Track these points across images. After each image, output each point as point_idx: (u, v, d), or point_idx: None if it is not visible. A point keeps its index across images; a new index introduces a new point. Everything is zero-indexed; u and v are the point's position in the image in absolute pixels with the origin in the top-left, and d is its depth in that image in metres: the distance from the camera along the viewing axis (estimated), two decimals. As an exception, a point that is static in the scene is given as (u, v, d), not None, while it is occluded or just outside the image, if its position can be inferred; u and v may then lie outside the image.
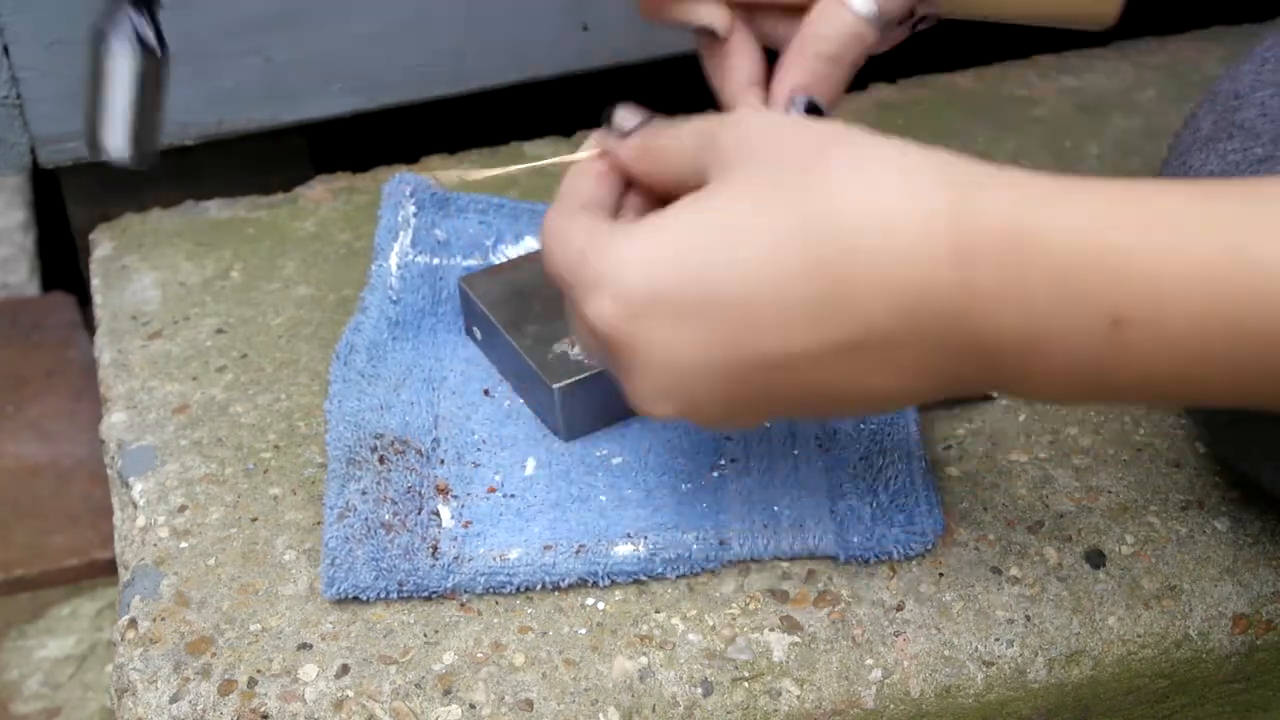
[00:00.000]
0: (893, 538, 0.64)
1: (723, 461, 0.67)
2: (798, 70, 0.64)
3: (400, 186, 0.81)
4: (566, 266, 0.56)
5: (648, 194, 0.60)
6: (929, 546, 0.64)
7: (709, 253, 0.52)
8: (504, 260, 0.78)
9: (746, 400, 0.54)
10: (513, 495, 0.66)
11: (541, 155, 0.93)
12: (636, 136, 0.60)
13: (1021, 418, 0.71)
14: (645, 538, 0.64)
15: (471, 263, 0.78)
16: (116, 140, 0.56)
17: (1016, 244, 0.49)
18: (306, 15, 0.89)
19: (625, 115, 0.60)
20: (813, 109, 0.63)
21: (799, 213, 0.51)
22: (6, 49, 0.85)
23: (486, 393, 0.72)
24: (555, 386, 0.67)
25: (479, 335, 0.73)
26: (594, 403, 0.68)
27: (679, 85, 0.93)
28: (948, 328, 0.50)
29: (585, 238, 0.55)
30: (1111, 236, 0.49)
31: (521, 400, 0.71)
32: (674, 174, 0.58)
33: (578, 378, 0.68)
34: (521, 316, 0.71)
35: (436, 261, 0.78)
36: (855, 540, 0.64)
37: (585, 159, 0.61)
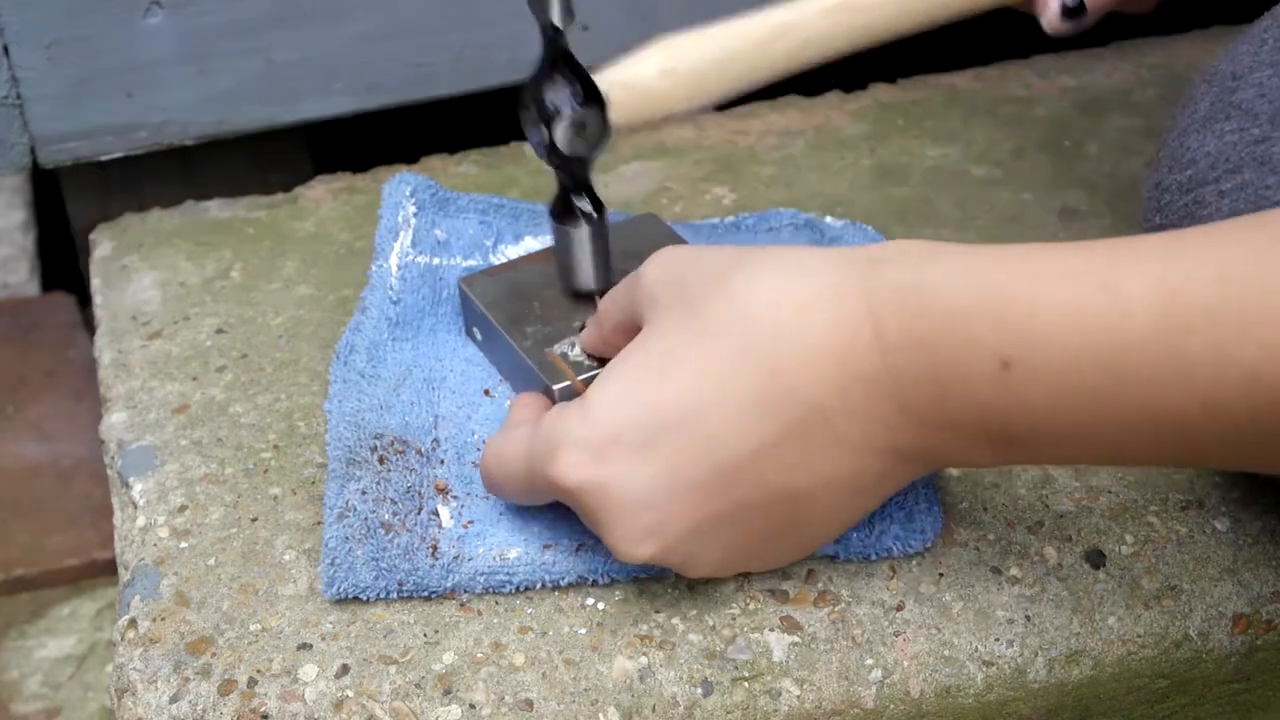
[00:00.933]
0: (892, 535, 0.64)
1: None
2: None
3: (400, 186, 0.81)
4: (524, 456, 0.60)
5: None
6: (929, 544, 0.64)
7: (653, 386, 0.56)
8: (504, 260, 0.78)
9: (718, 523, 0.57)
10: None
11: (541, 155, 0.93)
12: (589, 328, 0.67)
13: (1021, 418, 0.71)
14: None
15: (472, 263, 0.78)
16: (587, 280, 0.71)
17: (915, 296, 0.53)
18: (306, 15, 0.89)
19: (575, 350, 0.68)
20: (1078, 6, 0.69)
21: (723, 324, 0.56)
22: (6, 49, 0.85)
23: (487, 393, 0.72)
24: (556, 387, 0.67)
25: (479, 336, 0.73)
26: None
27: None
28: (874, 390, 0.54)
29: (532, 426, 0.60)
30: (997, 281, 0.52)
31: None
32: (615, 323, 0.63)
33: (577, 378, 0.67)
34: (522, 317, 0.71)
35: (437, 262, 0.78)
36: (855, 537, 0.64)
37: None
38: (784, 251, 0.57)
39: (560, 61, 0.67)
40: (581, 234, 0.70)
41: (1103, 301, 0.50)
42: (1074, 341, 0.50)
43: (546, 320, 0.70)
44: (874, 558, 0.64)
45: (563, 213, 0.70)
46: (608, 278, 0.71)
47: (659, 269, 0.59)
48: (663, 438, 0.55)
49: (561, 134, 0.67)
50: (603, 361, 0.65)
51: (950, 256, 0.54)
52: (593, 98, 0.67)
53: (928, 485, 0.66)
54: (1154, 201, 0.67)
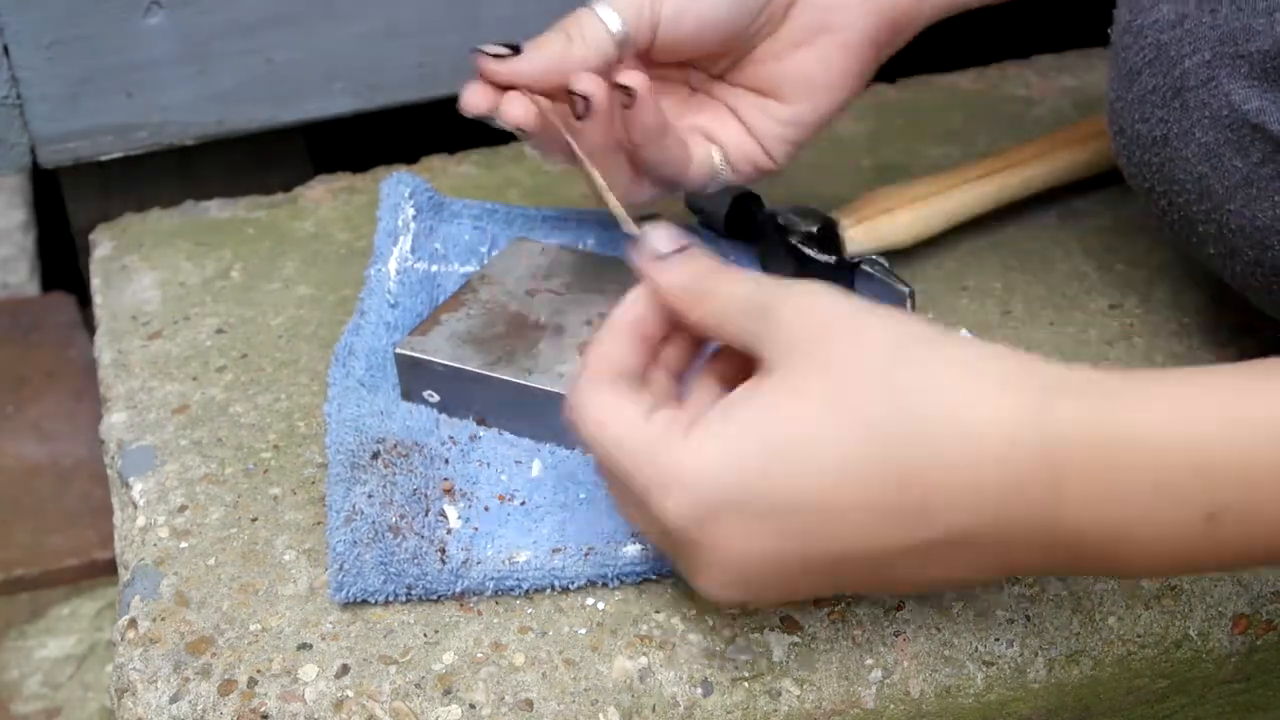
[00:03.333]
0: None
1: None
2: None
3: (399, 188, 0.80)
4: (625, 460, 0.55)
5: (683, 344, 0.59)
6: None
7: (779, 458, 0.52)
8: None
9: (811, 587, 0.56)
10: (520, 497, 0.66)
11: (541, 155, 0.93)
12: (681, 272, 0.57)
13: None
14: None
15: (468, 269, 0.78)
16: None
17: (1105, 451, 0.50)
18: (306, 15, 0.89)
19: (661, 238, 0.58)
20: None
21: (876, 420, 0.51)
22: (6, 49, 0.85)
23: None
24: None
25: (436, 397, 0.70)
26: None
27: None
28: (1036, 529, 0.51)
29: (641, 434, 0.54)
30: (1200, 436, 0.49)
31: (522, 435, 0.70)
32: (720, 329, 0.57)
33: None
34: (494, 357, 0.69)
35: (435, 269, 0.78)
36: None
37: (619, 318, 0.58)
38: (956, 352, 0.53)
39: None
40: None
41: None
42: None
43: (524, 352, 0.69)
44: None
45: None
46: None
47: (803, 314, 0.54)
48: (785, 517, 0.52)
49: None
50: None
51: (1138, 401, 0.51)
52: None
53: None
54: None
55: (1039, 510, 0.51)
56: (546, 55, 0.67)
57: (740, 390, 0.54)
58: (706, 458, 0.53)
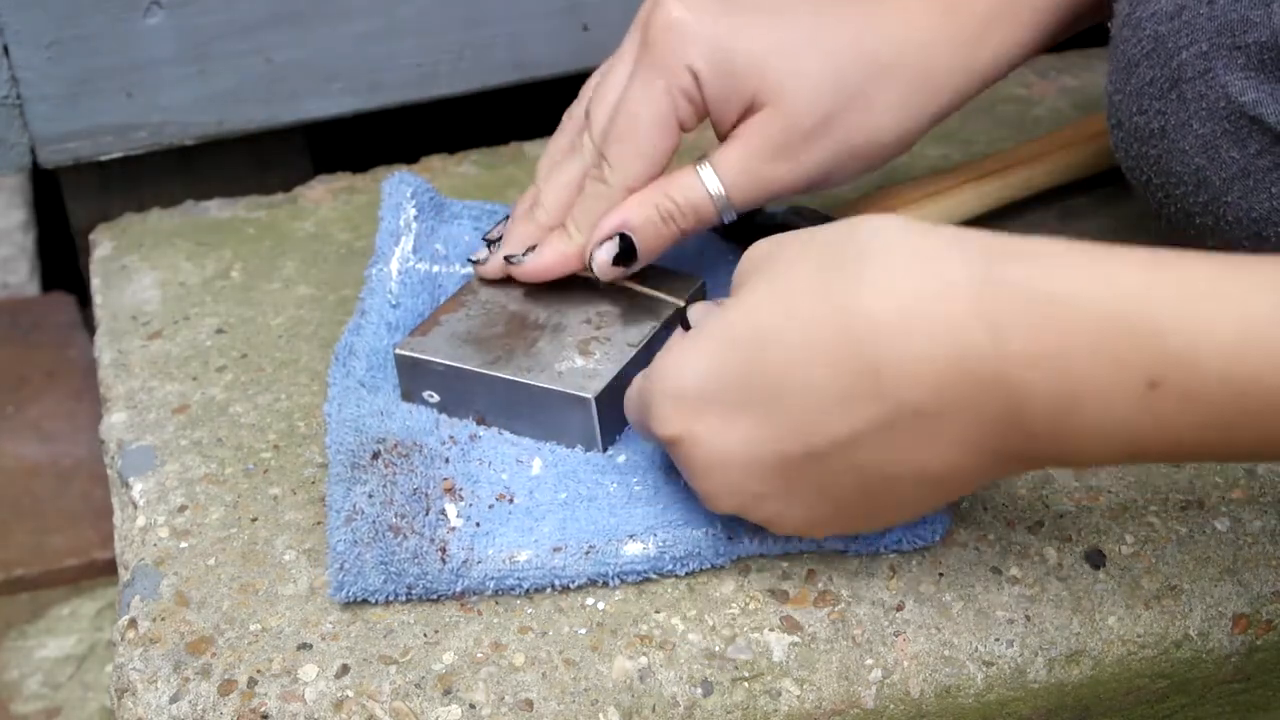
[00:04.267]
0: (901, 527, 0.64)
1: None
2: (636, 209, 0.69)
3: (400, 187, 0.80)
4: (635, 399, 0.63)
5: None
6: (936, 539, 0.64)
7: (746, 355, 0.57)
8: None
9: (807, 491, 0.58)
10: (520, 495, 0.66)
11: (541, 155, 0.93)
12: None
13: (1021, 418, 0.71)
14: (654, 535, 0.64)
15: (469, 270, 0.78)
16: None
17: (1049, 309, 0.52)
18: (306, 15, 0.89)
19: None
20: (626, 248, 0.69)
21: (822, 310, 0.55)
22: (6, 49, 0.85)
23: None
24: (593, 397, 0.67)
25: (436, 397, 0.70)
26: (619, 405, 0.68)
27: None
28: (983, 394, 0.53)
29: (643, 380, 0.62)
30: (1151, 301, 0.51)
31: (522, 434, 0.70)
32: None
33: (605, 383, 0.67)
34: (494, 357, 0.69)
35: (436, 269, 0.78)
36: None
37: None
38: (896, 235, 0.55)
39: None
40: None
41: (1266, 328, 0.49)
42: (1234, 368, 0.50)
43: (524, 351, 0.69)
44: (881, 551, 0.64)
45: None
46: None
47: (756, 248, 0.60)
48: (754, 408, 0.57)
49: None
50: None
51: (1090, 266, 0.52)
52: None
53: None
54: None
55: (984, 372, 0.52)
56: (556, 254, 0.71)
57: (710, 314, 0.60)
58: (681, 366, 0.59)
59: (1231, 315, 0.50)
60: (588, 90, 0.73)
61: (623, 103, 0.68)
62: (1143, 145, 0.67)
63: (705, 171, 0.68)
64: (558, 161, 0.72)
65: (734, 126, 0.69)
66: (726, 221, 0.70)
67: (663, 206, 0.68)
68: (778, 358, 0.56)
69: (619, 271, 0.69)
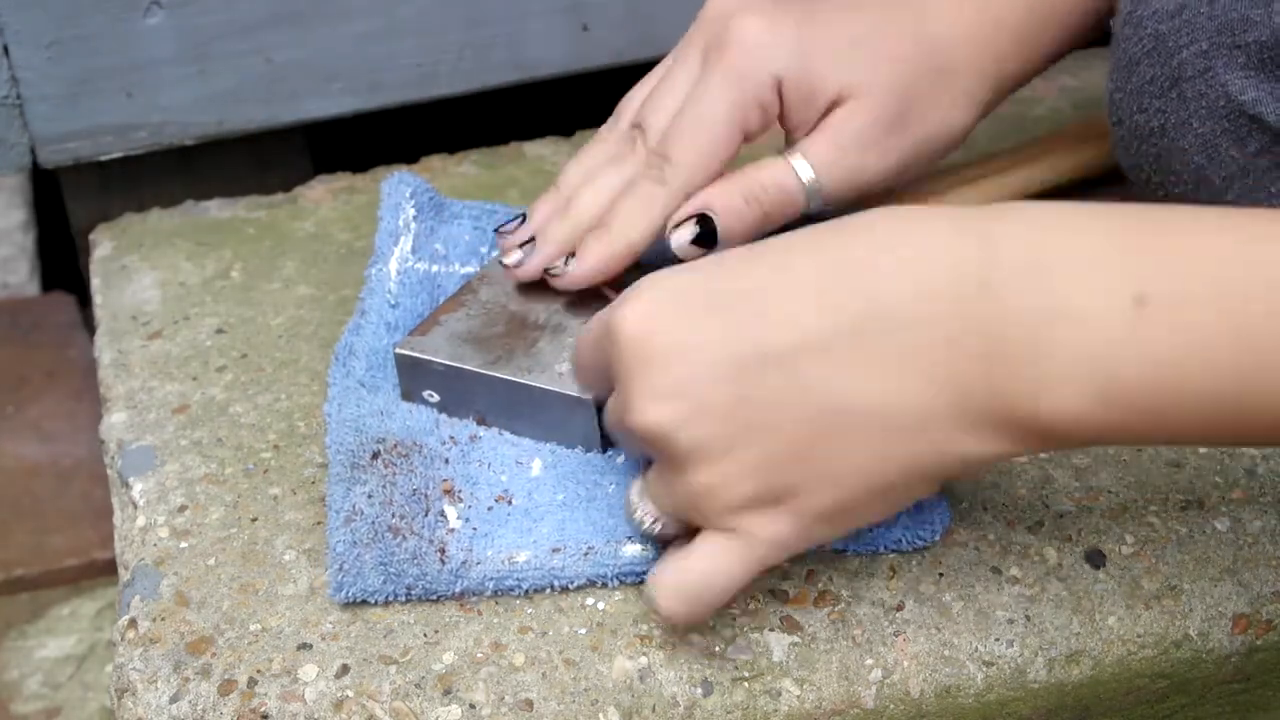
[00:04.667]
0: (901, 526, 0.64)
1: None
2: (718, 192, 0.68)
3: (400, 187, 0.80)
4: (600, 320, 0.60)
5: None
6: (936, 538, 0.64)
7: (730, 265, 0.56)
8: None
9: (742, 416, 0.54)
10: (519, 496, 0.66)
11: (542, 155, 0.93)
12: None
13: (1021, 418, 0.71)
14: None
15: (469, 269, 0.78)
16: None
17: (1041, 224, 0.52)
18: (306, 15, 0.89)
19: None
20: (708, 230, 0.68)
21: (810, 235, 0.56)
22: (6, 49, 0.85)
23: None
24: (593, 399, 0.67)
25: (436, 397, 0.70)
26: None
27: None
28: (965, 302, 0.52)
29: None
30: (1140, 225, 0.52)
31: (522, 434, 0.70)
32: None
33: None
34: (494, 357, 0.69)
35: (435, 269, 0.78)
36: (864, 528, 0.63)
37: None
38: (886, 211, 0.56)
39: None
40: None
41: (1255, 252, 0.50)
42: (1223, 288, 0.50)
43: (525, 352, 0.69)
44: (882, 550, 0.64)
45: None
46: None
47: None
48: (719, 309, 0.55)
49: None
50: None
51: (1081, 209, 0.53)
52: None
53: None
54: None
55: (971, 275, 0.52)
56: (598, 260, 0.70)
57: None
58: (661, 275, 0.57)
59: (1224, 239, 0.51)
60: (632, 102, 0.73)
61: (692, 104, 0.68)
62: (1143, 143, 0.67)
63: (796, 160, 0.68)
64: (594, 170, 0.71)
65: (814, 126, 0.69)
66: (814, 210, 0.69)
67: (748, 190, 0.68)
68: (760, 262, 0.56)
69: (698, 251, 0.68)
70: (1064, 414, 0.52)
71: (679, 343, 0.55)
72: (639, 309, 0.56)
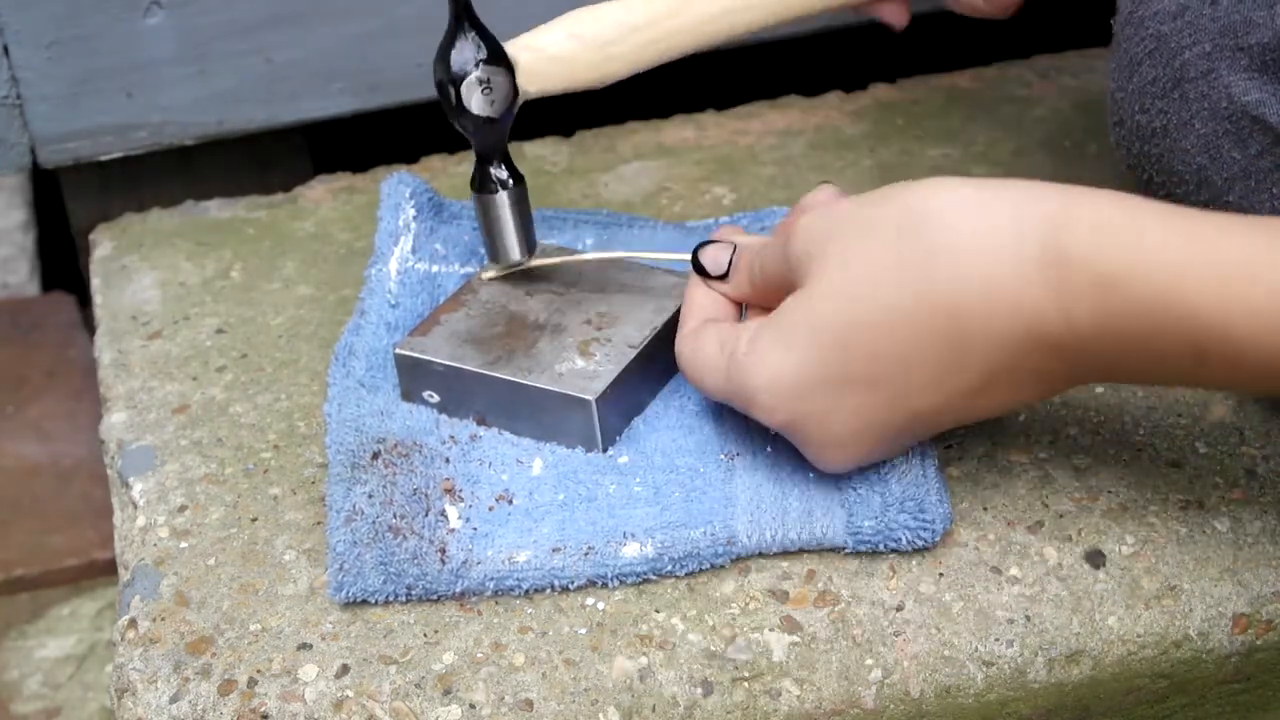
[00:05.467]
0: (902, 524, 0.63)
1: (731, 455, 0.67)
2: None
3: (399, 188, 0.80)
4: (722, 374, 0.64)
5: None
6: (938, 537, 0.64)
7: (838, 341, 0.60)
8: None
9: (904, 440, 0.64)
10: (520, 496, 0.66)
11: (542, 155, 0.93)
12: (738, 273, 0.67)
13: (1022, 418, 0.71)
14: (653, 537, 0.64)
15: (469, 269, 0.78)
16: (511, 251, 0.73)
17: (1108, 290, 0.55)
18: (306, 15, 0.89)
19: (714, 257, 0.68)
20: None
21: (903, 294, 0.58)
22: (6, 49, 0.85)
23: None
24: (593, 399, 0.67)
25: (436, 397, 0.70)
26: (620, 406, 0.68)
27: (679, 85, 0.93)
28: (1052, 358, 0.58)
29: (719, 344, 0.64)
30: (1191, 286, 0.54)
31: (522, 434, 0.70)
32: (782, 289, 0.64)
33: (606, 384, 0.67)
34: (494, 357, 0.69)
35: (435, 269, 0.78)
36: (866, 526, 0.63)
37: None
38: (950, 206, 0.59)
39: (465, 23, 0.69)
40: (501, 201, 0.71)
41: None
42: (1269, 340, 0.53)
43: (524, 351, 0.69)
44: (884, 549, 0.64)
45: (481, 183, 0.72)
46: (530, 248, 0.73)
47: (817, 220, 0.62)
48: (856, 385, 0.60)
49: (468, 93, 0.69)
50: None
51: (1139, 239, 0.55)
52: (497, 58, 0.69)
53: (938, 477, 0.65)
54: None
55: (1054, 341, 0.57)
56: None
57: (784, 302, 0.62)
58: (775, 360, 0.61)
59: (1270, 292, 0.53)
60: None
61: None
62: (1144, 144, 0.67)
63: None
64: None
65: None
66: None
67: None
68: (870, 341, 0.59)
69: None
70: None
71: (837, 425, 0.62)
72: (771, 406, 0.62)
